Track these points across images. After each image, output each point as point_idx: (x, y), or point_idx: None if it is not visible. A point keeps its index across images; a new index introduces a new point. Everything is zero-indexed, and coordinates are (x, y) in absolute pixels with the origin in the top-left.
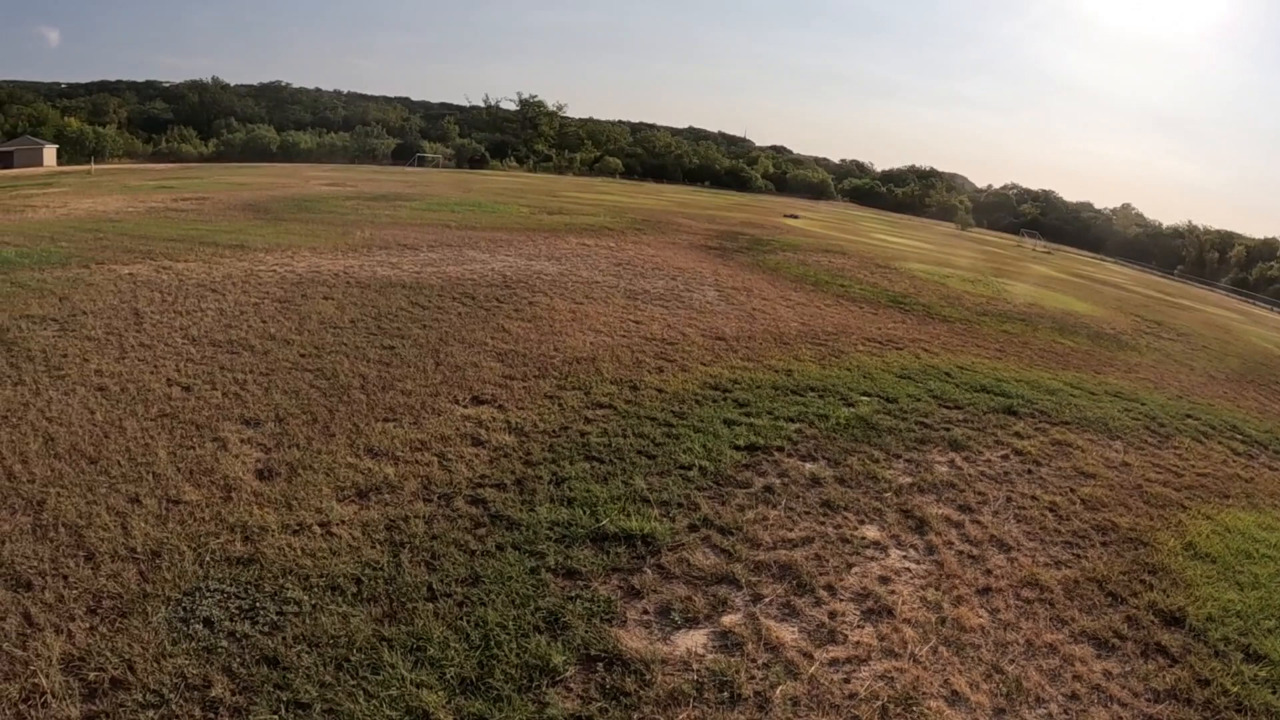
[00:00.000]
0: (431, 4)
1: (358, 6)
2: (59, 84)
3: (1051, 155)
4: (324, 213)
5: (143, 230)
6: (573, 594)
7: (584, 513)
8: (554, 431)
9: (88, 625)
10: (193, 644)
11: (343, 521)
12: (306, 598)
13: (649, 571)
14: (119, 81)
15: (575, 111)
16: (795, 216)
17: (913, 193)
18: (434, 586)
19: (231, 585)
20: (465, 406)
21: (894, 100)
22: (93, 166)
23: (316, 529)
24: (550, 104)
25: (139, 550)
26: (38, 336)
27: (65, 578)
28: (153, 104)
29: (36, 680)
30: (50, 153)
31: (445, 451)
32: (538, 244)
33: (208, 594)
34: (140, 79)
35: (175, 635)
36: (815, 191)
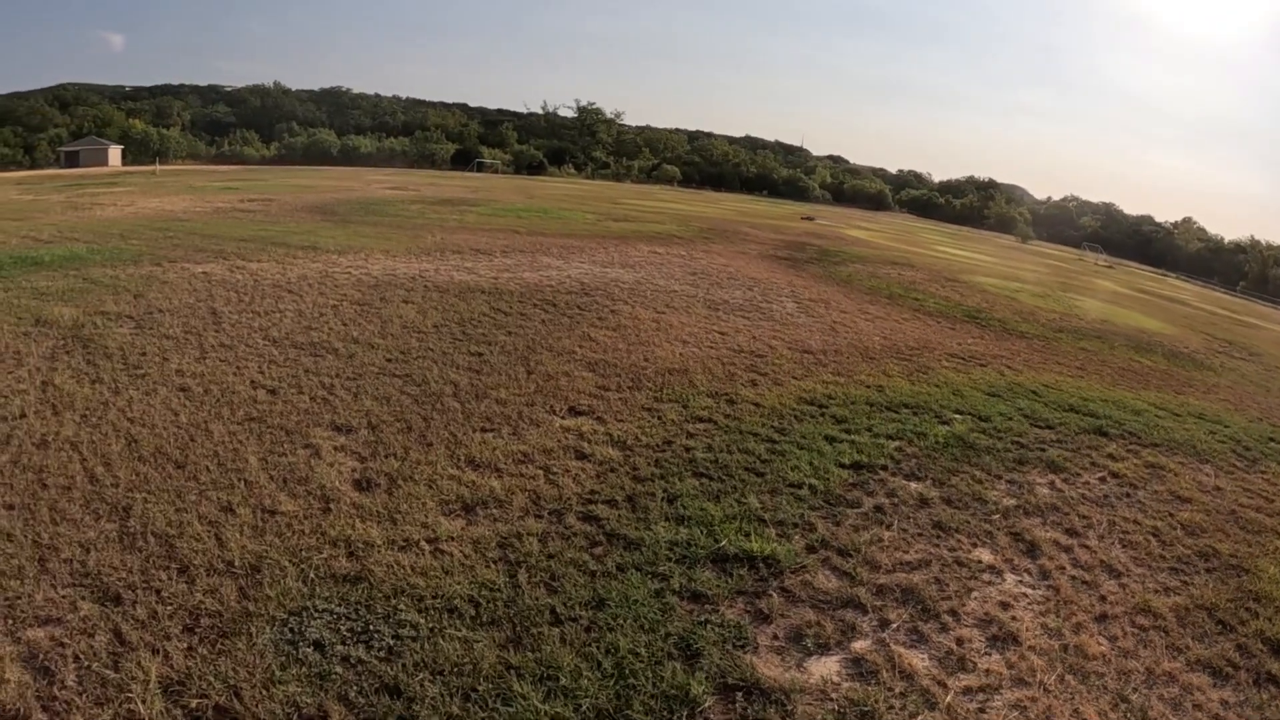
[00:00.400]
0: (486, 11)
1: (413, 13)
2: (123, 87)
3: (1112, 167)
4: (391, 216)
5: (212, 230)
6: (701, 618)
7: (701, 532)
8: (658, 446)
9: (185, 645)
10: (304, 670)
11: (451, 538)
12: (423, 620)
13: (774, 595)
14: (181, 85)
15: (632, 119)
16: (811, 219)
17: (971, 204)
18: (557, 610)
19: (340, 605)
20: (562, 417)
21: (953, 110)
22: (157, 167)
23: (424, 545)
24: (608, 111)
25: (236, 564)
26: (114, 334)
27: (158, 592)
28: (215, 107)
29: (132, 706)
30: (115, 153)
31: (549, 465)
32: (609, 251)
33: (315, 614)
34: (202, 83)
35: (284, 659)
36: (873, 202)
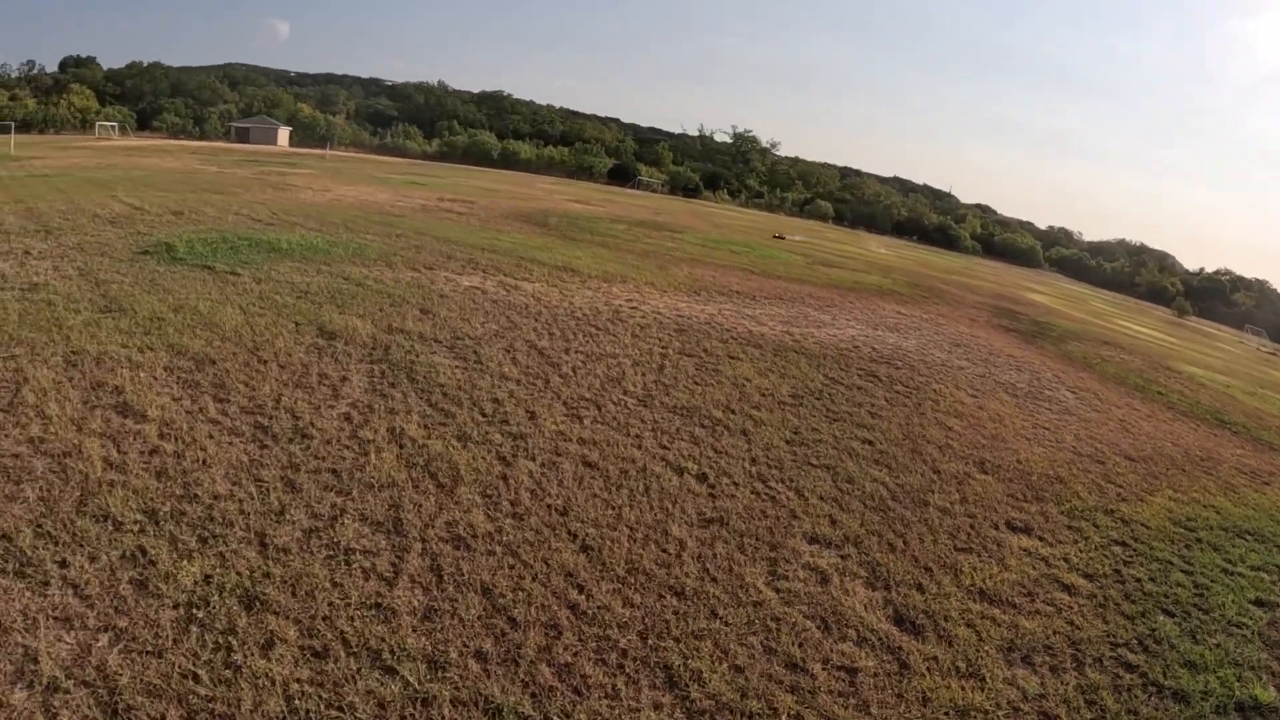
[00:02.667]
0: (645, 30)
1: (570, 26)
2: (288, 72)
3: (1264, 240)
4: (603, 235)
5: (437, 231)
6: None
7: (1214, 680)
8: (1110, 574)
9: None
10: None
11: (1041, 695)
12: None
13: None
14: (345, 75)
15: (782, 150)
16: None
17: (1122, 269)
18: None
19: None
20: (1009, 534)
21: (1101, 163)
22: (327, 152)
23: (1028, 711)
24: (763, 140)
25: None
26: (436, 365)
27: None
28: (377, 99)
29: None
30: (284, 134)
31: (1049, 596)
32: (854, 307)
33: None
34: (365, 75)
35: None
36: (1023, 258)
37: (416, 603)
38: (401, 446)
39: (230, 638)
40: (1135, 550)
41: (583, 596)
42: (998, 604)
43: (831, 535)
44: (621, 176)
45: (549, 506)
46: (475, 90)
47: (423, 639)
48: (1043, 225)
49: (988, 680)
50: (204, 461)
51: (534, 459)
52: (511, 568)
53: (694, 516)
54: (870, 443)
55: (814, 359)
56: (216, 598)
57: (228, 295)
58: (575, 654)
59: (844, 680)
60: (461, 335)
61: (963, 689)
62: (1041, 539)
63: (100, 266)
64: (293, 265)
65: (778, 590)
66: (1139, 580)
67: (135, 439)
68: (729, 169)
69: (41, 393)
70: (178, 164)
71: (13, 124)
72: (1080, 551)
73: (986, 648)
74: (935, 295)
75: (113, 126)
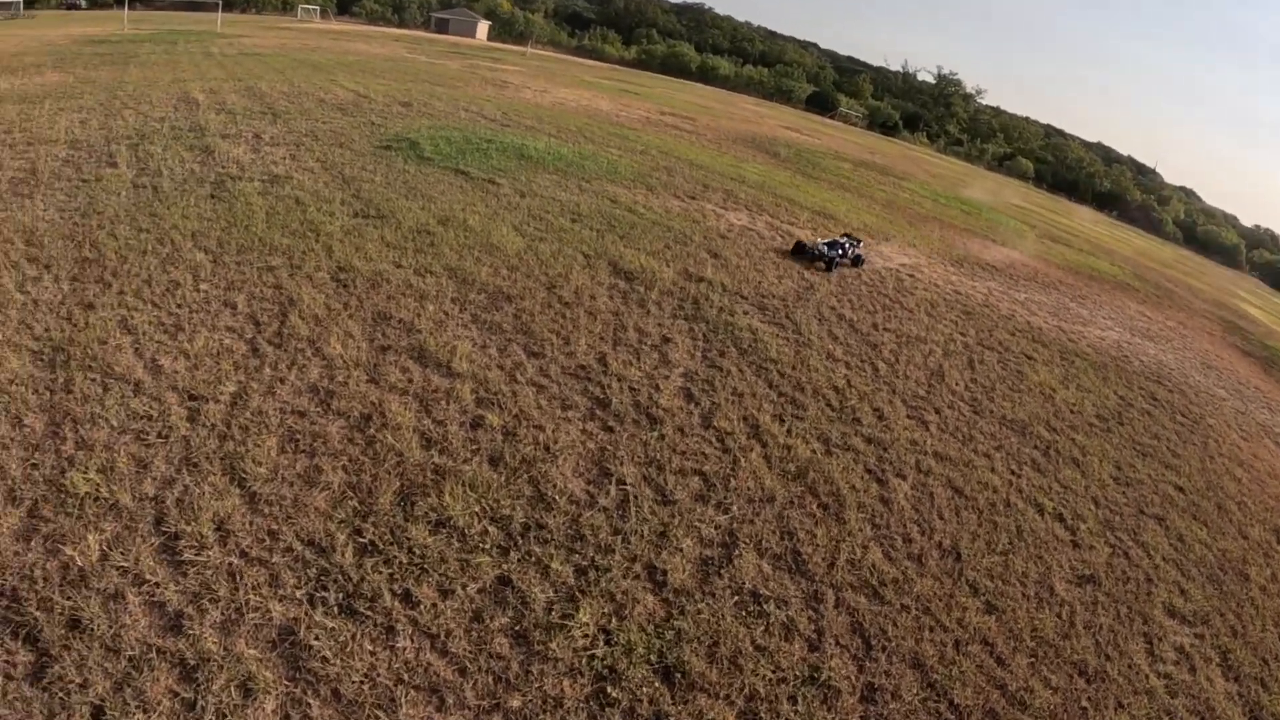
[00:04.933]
0: None
1: None
2: None
3: None
4: (835, 174)
5: (676, 151)
6: None
7: None
8: None
9: None
10: None
11: None
12: None
13: None
14: None
15: (984, 96)
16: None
17: None
18: None
19: None
20: None
21: None
22: (528, 49)
23: None
24: (967, 85)
25: None
26: (757, 332)
27: None
28: (575, 2)
29: None
30: (483, 27)
31: None
32: (1101, 301)
33: None
34: None
35: None
36: (1225, 256)
37: (852, 677)
38: (764, 445)
39: None
40: None
41: (1006, 673)
42: None
43: (1184, 609)
44: (819, 104)
45: (939, 546)
46: (678, 0)
47: None
48: (1247, 222)
49: None
50: (544, 445)
51: (904, 478)
52: (931, 631)
53: (1069, 571)
54: (1181, 489)
55: (1097, 369)
56: (625, 665)
57: (495, 210)
58: None
59: None
60: (765, 292)
61: None
62: None
63: (343, 160)
64: (550, 178)
65: (1159, 674)
66: None
67: (449, 403)
68: (929, 110)
69: (315, 322)
70: (384, 51)
71: (220, 2)
72: None
73: None
74: (1167, 296)
75: (314, 10)
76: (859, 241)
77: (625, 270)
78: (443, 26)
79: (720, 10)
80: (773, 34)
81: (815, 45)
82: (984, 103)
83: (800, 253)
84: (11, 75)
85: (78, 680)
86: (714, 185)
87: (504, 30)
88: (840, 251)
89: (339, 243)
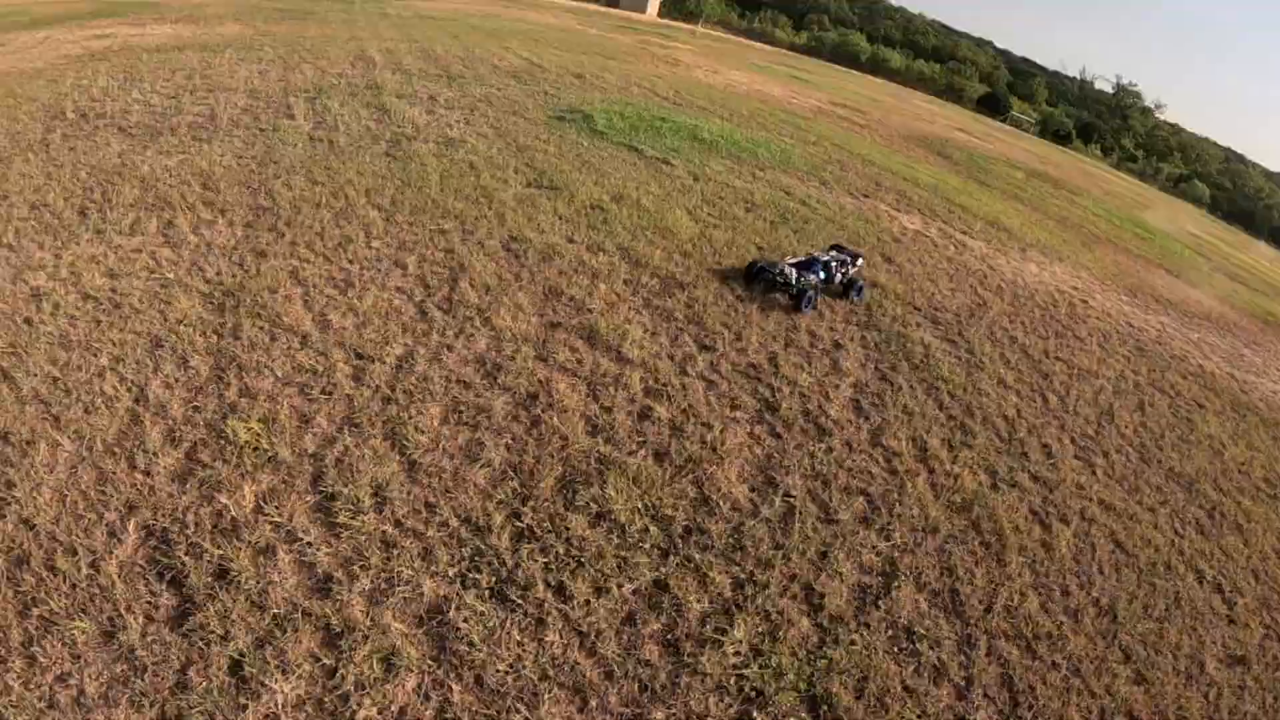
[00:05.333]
0: None
1: None
2: None
3: None
4: (1006, 182)
5: (848, 145)
6: None
7: None
8: None
9: None
10: None
11: None
12: None
13: None
14: None
15: (1164, 112)
16: None
17: None
18: None
19: None
20: None
21: None
22: (697, 28)
23: None
24: (1147, 99)
25: None
26: (930, 348)
27: None
28: None
29: None
30: (654, 4)
31: None
32: (1276, 352)
33: None
34: None
35: None
36: None
37: None
38: (931, 471)
39: None
40: None
41: None
42: None
43: None
44: (991, 106)
45: (1096, 603)
46: None
47: None
48: None
49: None
50: (711, 446)
51: (1067, 524)
52: (1079, 695)
53: (1221, 649)
54: None
55: (1269, 426)
56: (773, 689)
57: (668, 191)
58: None
59: None
60: (938, 305)
61: None
62: None
63: (517, 128)
64: (723, 163)
65: None
66: None
67: (617, 389)
68: (1104, 122)
69: (485, 291)
70: (556, 21)
71: None
72: None
73: None
74: None
75: None
76: (857, 258)
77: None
78: (614, 0)
79: (894, 1)
80: (947, 28)
81: (990, 44)
82: (1162, 118)
83: (757, 277)
84: (194, 25)
85: (219, 631)
86: (886, 184)
87: (674, 8)
88: (820, 275)
89: (512, 211)
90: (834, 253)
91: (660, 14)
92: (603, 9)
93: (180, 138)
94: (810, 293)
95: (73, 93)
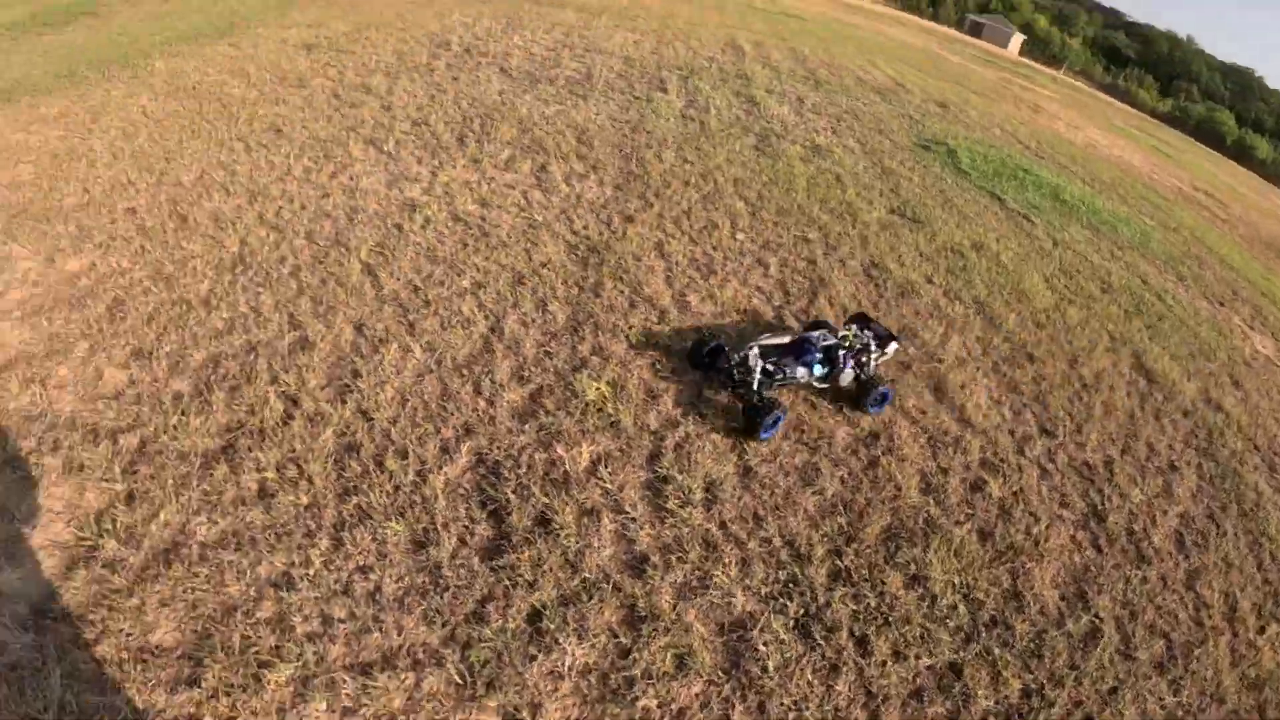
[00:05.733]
0: None
1: None
2: None
3: None
4: None
5: (1208, 239)
6: None
7: None
8: None
9: None
10: None
11: None
12: None
13: None
14: None
15: None
16: None
17: None
18: None
19: None
20: None
21: None
22: (1059, 73)
23: None
24: None
25: None
26: (1261, 494)
27: None
28: (1115, 33)
29: None
30: (1016, 41)
31: None
32: None
33: None
34: (1106, 1)
35: None
36: None
37: None
38: (1234, 635)
39: None
40: None
41: None
42: None
43: None
44: None
45: None
46: (1223, 58)
47: None
48: None
49: None
50: (1034, 539)
51: None
52: None
53: None
54: None
55: None
56: None
57: (1027, 251)
58: None
59: None
60: (1278, 448)
61: None
62: None
63: (882, 149)
64: (1083, 233)
65: None
66: None
67: (955, 452)
68: None
69: (843, 313)
70: (918, 42)
71: None
72: None
73: None
74: None
75: None
76: (890, 341)
77: (1147, 368)
78: (976, 30)
79: (1271, 83)
80: None
81: None
82: None
83: (706, 362)
84: None
85: (528, 577)
86: (1243, 294)
87: (1035, 47)
88: (816, 370)
89: (875, 235)
90: (853, 328)
91: (1021, 51)
92: (963, 36)
93: (558, 89)
94: (777, 413)
95: (458, 28)
